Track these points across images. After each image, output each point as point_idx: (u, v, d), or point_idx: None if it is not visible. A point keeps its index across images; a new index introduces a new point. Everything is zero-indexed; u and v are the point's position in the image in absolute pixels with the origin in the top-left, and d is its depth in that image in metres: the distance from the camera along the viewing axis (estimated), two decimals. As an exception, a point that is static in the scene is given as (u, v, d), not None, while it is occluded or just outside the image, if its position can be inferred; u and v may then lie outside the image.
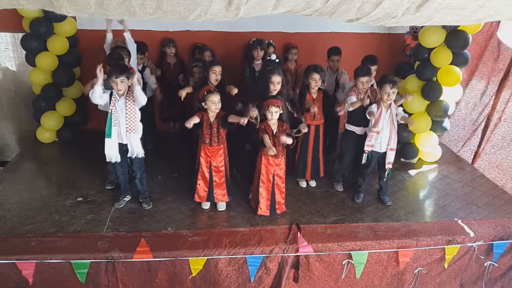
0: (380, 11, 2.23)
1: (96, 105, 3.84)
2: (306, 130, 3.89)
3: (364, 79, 4.10)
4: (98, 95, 3.58)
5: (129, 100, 3.65)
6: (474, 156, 5.67)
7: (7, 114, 5.90)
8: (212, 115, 3.75)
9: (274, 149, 3.66)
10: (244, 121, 3.59)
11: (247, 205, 4.10)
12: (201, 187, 3.93)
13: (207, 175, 3.89)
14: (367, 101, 3.97)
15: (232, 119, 3.68)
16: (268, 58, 4.55)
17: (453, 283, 3.96)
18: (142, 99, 3.62)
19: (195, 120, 3.66)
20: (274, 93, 3.94)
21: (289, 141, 3.69)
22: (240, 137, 5.00)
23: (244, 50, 5.38)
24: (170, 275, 3.45)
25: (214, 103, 3.66)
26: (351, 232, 3.74)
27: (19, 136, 5.94)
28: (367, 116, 3.98)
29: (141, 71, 4.75)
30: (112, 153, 3.76)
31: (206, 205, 4.04)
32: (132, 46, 4.46)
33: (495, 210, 4.28)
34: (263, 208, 3.89)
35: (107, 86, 3.64)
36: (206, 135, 3.78)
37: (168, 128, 5.85)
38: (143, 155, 3.85)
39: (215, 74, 4.17)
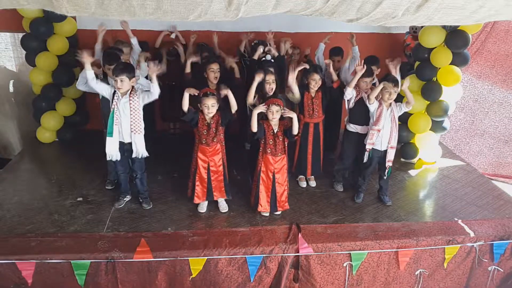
0: (380, 11, 2.23)
1: (96, 105, 3.83)
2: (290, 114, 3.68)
3: (367, 79, 4.14)
4: (83, 80, 3.68)
5: (132, 100, 3.62)
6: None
7: (9, 113, 5.91)
8: (208, 116, 3.71)
9: (259, 106, 3.63)
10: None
11: (247, 205, 4.09)
12: (200, 188, 3.90)
13: (205, 176, 3.85)
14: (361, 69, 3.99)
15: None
16: (264, 58, 4.55)
17: (457, 288, 3.96)
18: (155, 90, 3.58)
19: (193, 91, 3.61)
20: (271, 92, 3.94)
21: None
22: (240, 137, 5.02)
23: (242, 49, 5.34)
24: (170, 275, 3.45)
25: (206, 107, 3.62)
26: (351, 232, 3.74)
27: (20, 135, 5.95)
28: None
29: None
30: (112, 152, 3.75)
31: (202, 209, 3.99)
32: (137, 52, 4.46)
33: (495, 210, 4.28)
34: (264, 205, 3.87)
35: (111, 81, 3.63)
36: (202, 136, 3.74)
37: (169, 128, 5.85)
38: (147, 155, 3.84)
39: (214, 72, 4.20)
